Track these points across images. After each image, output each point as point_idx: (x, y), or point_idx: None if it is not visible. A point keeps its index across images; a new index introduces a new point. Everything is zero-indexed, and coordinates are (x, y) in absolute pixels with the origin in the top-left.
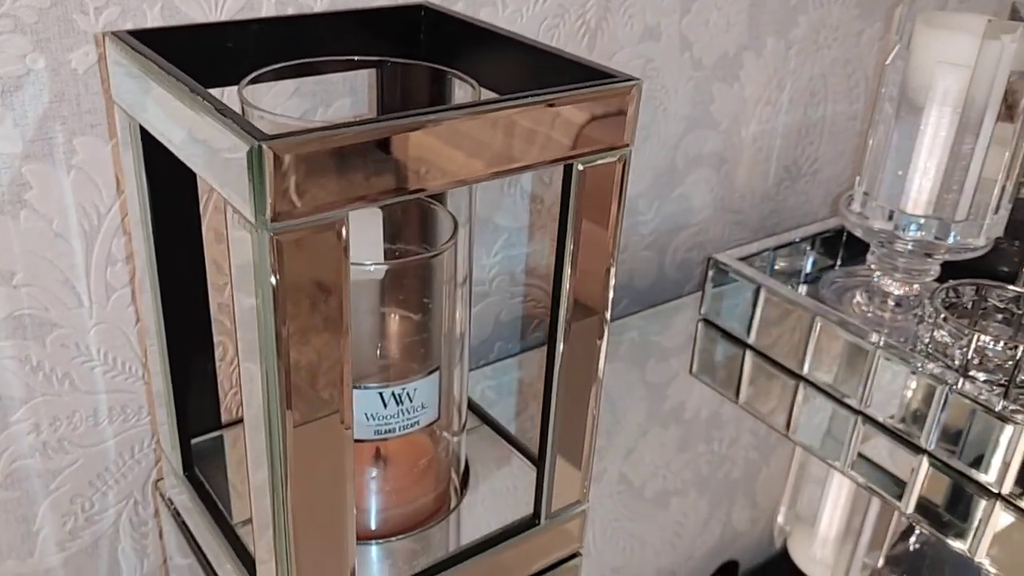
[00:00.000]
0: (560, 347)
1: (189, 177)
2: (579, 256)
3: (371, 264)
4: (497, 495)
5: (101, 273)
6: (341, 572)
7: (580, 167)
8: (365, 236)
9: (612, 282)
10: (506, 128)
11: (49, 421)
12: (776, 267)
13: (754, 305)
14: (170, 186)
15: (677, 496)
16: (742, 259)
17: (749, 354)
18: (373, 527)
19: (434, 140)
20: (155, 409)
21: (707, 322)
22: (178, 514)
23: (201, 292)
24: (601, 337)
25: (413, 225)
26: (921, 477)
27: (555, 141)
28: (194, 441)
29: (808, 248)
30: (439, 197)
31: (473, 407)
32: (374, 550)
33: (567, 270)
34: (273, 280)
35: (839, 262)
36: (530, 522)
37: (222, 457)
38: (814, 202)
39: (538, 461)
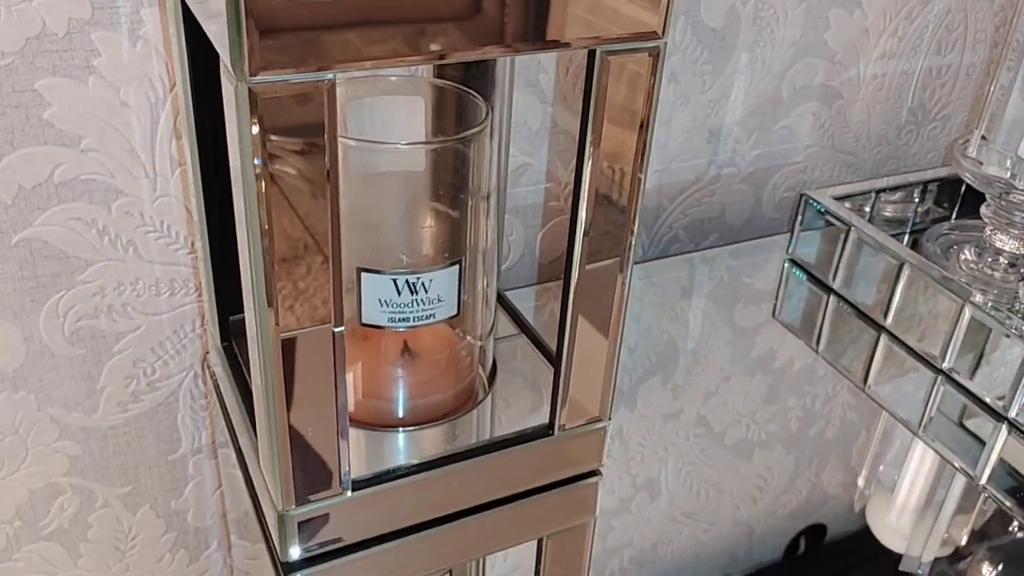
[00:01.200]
0: (577, 256)
1: None
2: (600, 158)
3: (401, 144)
4: (523, 403)
5: (165, 147)
6: (329, 458)
7: (603, 55)
8: (407, 125)
9: (640, 191)
10: (515, 2)
11: (113, 285)
12: (885, 214)
13: (842, 248)
14: (211, 65)
15: (761, 448)
16: (839, 198)
17: (832, 300)
18: (400, 415)
19: (431, 6)
20: None
21: (794, 263)
22: (217, 386)
23: None
24: (626, 254)
25: (455, 120)
26: (1000, 445)
27: (575, 19)
28: (235, 318)
29: (918, 195)
30: (484, 95)
31: (518, 318)
32: (395, 437)
33: (587, 171)
34: (252, 134)
35: (954, 215)
36: (543, 431)
37: None
38: (942, 151)
39: (554, 372)
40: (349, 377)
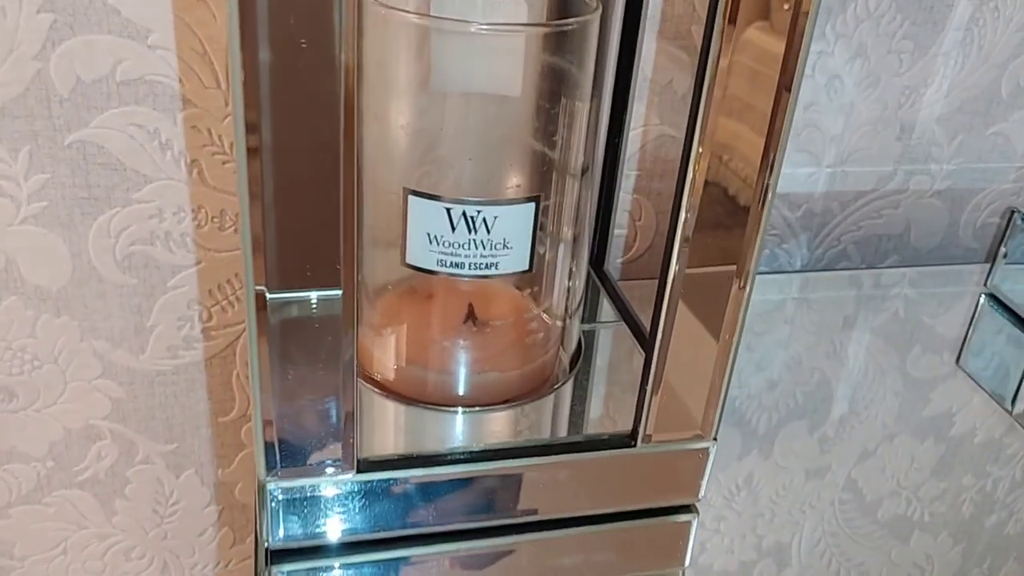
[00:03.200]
0: (677, 247)
1: None
2: (717, 125)
3: (480, 23)
4: (609, 402)
5: None
6: (329, 432)
7: None
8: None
9: (773, 178)
10: None
11: (173, 209)
12: None
13: None
14: None
15: (922, 531)
16: None
17: None
18: (448, 391)
19: None
20: None
21: (993, 299)
22: None
23: None
24: (747, 257)
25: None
26: None
27: None
28: None
29: None
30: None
31: (622, 305)
32: (437, 416)
33: (698, 142)
34: None
35: None
36: (623, 440)
37: None
38: None
39: (643, 367)
40: (391, 339)
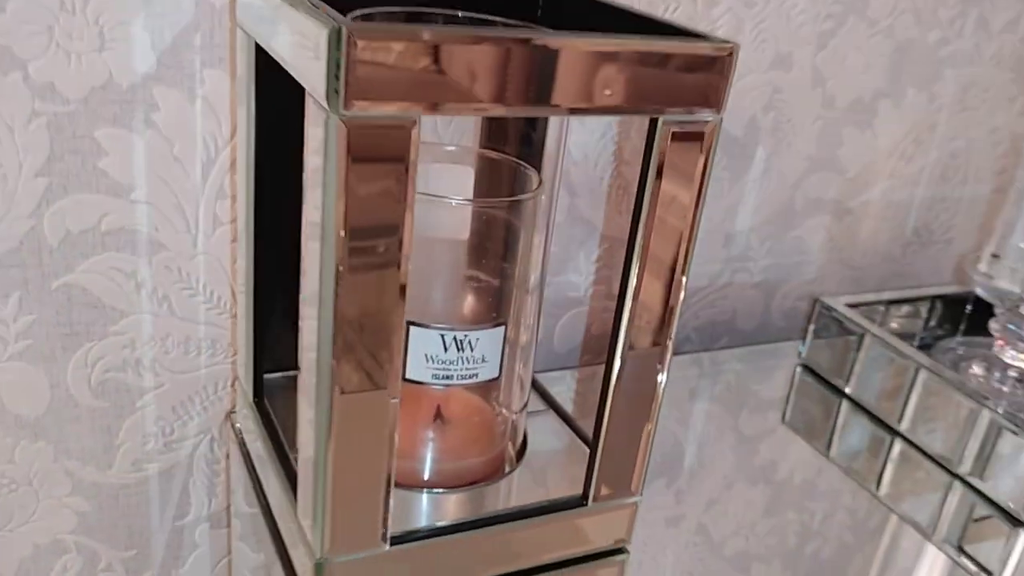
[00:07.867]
0: (626, 316)
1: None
2: (655, 223)
3: (455, 200)
4: (551, 476)
5: (211, 204)
6: (371, 514)
7: (664, 124)
8: (454, 192)
9: (687, 258)
10: (591, 64)
11: (144, 340)
12: (891, 326)
13: (856, 352)
14: (279, 127)
15: (759, 562)
16: (851, 306)
17: (846, 405)
18: (426, 477)
19: (517, 61)
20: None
21: (806, 368)
22: (244, 444)
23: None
24: (669, 323)
25: (506, 190)
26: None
27: (642, 88)
28: (271, 376)
29: (926, 310)
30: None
31: (546, 397)
32: (423, 498)
33: (641, 234)
34: (340, 168)
35: (961, 331)
36: (577, 501)
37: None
38: (944, 273)
39: (591, 443)
40: None
